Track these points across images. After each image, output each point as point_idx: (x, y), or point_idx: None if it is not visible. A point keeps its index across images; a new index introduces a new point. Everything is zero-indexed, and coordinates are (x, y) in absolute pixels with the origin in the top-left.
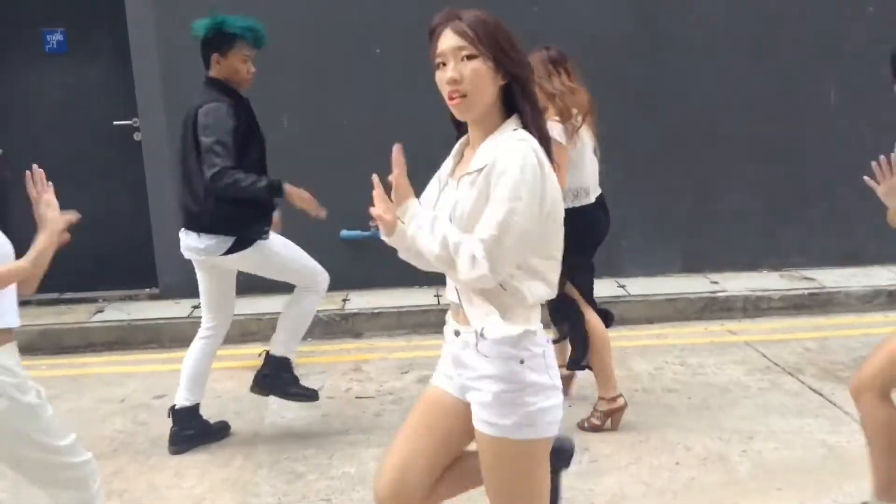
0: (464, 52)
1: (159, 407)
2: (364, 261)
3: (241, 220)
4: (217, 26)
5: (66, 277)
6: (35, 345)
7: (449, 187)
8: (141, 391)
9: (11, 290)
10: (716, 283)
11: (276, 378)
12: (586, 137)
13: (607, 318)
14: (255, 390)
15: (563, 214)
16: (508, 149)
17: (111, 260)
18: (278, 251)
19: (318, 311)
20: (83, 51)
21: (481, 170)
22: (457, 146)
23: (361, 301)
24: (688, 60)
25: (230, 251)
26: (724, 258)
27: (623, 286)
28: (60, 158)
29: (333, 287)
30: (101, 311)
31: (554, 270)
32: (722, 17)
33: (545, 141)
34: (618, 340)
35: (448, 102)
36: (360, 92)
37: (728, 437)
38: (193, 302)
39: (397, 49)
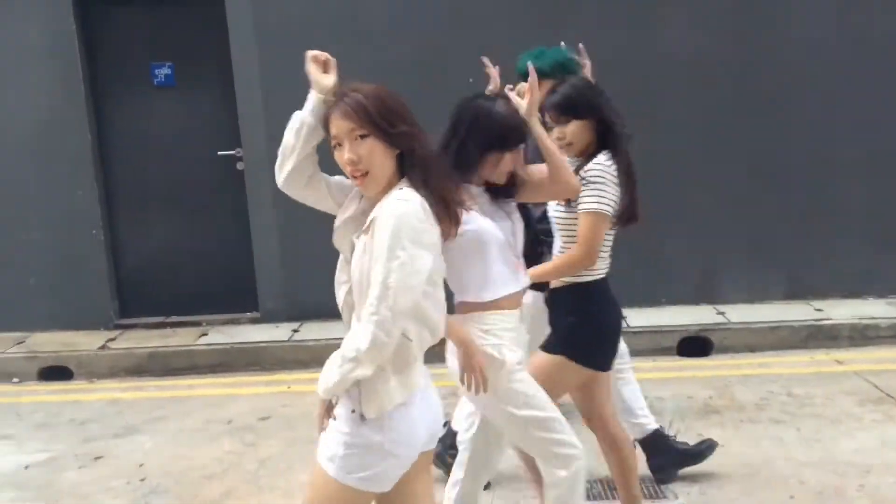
0: (356, 133)
1: (264, 429)
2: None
3: None
4: (562, 63)
5: (171, 302)
6: (143, 367)
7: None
8: (246, 413)
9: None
10: (820, 310)
11: None
12: None
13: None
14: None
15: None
16: (388, 207)
17: (214, 285)
18: None
19: None
20: (189, 84)
21: (368, 229)
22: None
23: None
24: (789, 81)
25: None
26: (828, 284)
27: (722, 312)
28: (167, 187)
29: None
30: (205, 335)
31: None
32: (826, 37)
33: (442, 201)
34: (718, 369)
35: (352, 181)
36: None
37: (843, 471)
38: (293, 326)
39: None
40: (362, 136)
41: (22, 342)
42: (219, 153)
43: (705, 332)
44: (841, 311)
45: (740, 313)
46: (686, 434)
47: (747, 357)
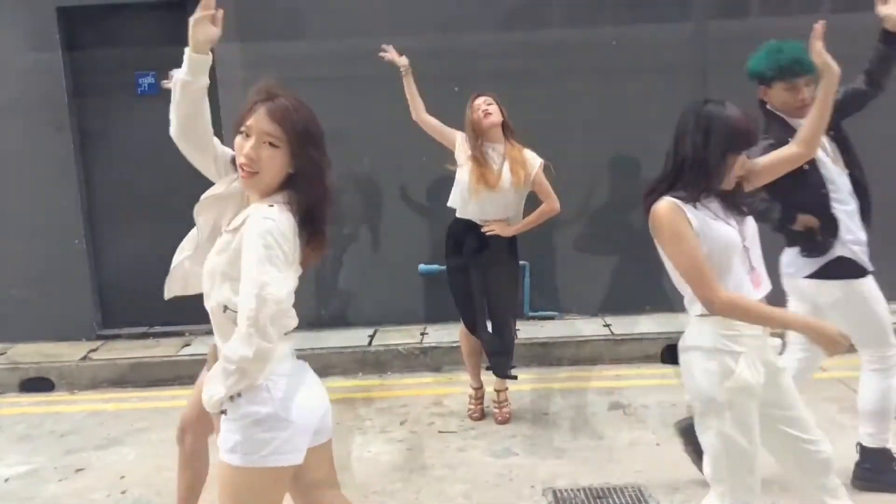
0: (268, 139)
1: None
2: (441, 295)
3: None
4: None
5: (154, 312)
6: (126, 378)
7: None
8: None
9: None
10: None
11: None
12: None
13: None
14: (857, 484)
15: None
16: (258, 222)
17: (197, 295)
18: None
19: (396, 345)
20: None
21: (236, 230)
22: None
23: (439, 334)
24: None
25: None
26: None
27: None
28: (150, 197)
29: (412, 321)
30: (188, 345)
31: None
32: None
33: (313, 226)
34: None
35: (239, 172)
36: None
37: None
38: None
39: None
40: (271, 144)
41: (3, 353)
42: None
43: None
44: None
45: None
46: (670, 441)
47: None
